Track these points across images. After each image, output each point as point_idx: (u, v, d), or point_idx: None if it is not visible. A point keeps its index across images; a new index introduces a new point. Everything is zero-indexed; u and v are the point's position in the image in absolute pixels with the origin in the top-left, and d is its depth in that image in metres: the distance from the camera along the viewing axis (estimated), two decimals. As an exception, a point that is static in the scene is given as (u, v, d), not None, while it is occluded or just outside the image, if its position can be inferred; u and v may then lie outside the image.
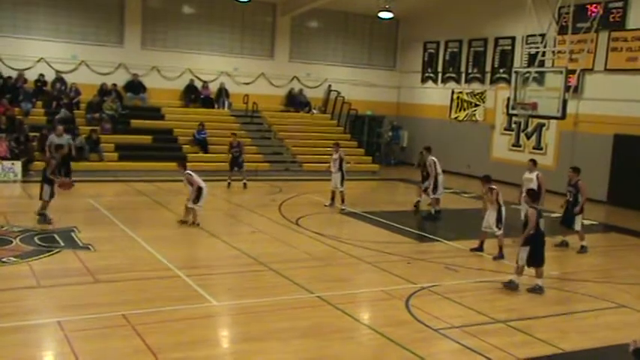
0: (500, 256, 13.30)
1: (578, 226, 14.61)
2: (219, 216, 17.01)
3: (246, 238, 14.12)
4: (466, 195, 21.79)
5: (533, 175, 15.49)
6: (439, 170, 17.58)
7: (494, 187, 13.50)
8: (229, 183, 20.95)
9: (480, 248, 13.76)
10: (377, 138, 30.96)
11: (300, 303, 9.95)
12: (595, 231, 17.86)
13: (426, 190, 17.69)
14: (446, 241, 14.87)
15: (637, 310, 10.48)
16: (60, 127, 20.02)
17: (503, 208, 13.41)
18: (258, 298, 10.05)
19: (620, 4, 21.12)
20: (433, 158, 17.60)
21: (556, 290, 11.40)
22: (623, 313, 10.39)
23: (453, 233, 15.56)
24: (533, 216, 10.89)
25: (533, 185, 15.15)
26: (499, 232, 13.36)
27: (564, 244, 14.73)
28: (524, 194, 15.22)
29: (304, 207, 18.12)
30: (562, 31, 18.05)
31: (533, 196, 11.55)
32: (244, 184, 20.94)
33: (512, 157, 25.22)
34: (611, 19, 21.24)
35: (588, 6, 20.70)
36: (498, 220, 13.33)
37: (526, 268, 11.12)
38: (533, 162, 16.00)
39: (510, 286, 11.10)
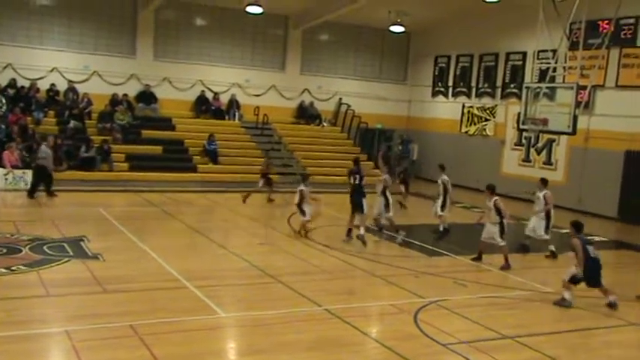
0: (506, 266, 13.57)
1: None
2: (229, 227, 17.04)
3: (254, 249, 14.13)
4: (476, 210, 21.67)
5: (541, 195, 15.48)
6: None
7: (497, 198, 13.78)
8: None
9: (479, 258, 14.10)
10: (387, 151, 30.91)
11: (308, 316, 9.92)
12: (605, 248, 17.74)
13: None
14: (455, 256, 14.82)
15: (647, 329, 10.40)
16: (51, 138, 20.17)
17: (505, 220, 13.69)
18: (266, 310, 10.03)
19: (631, 20, 21.10)
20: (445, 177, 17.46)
21: (565, 307, 11.30)
22: (634, 331, 10.31)
23: (462, 248, 15.50)
24: (578, 246, 11.04)
25: (540, 205, 15.42)
26: (502, 243, 13.67)
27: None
28: (537, 212, 15.42)
29: (313, 219, 18.06)
30: (573, 46, 18.02)
31: (577, 226, 11.41)
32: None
33: (523, 172, 25.15)
34: (623, 36, 21.24)
35: (600, 22, 20.68)
36: (501, 231, 13.61)
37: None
38: (542, 181, 15.93)
39: (563, 304, 11.11)
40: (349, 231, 15.45)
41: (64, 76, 24.93)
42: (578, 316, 10.89)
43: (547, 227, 15.46)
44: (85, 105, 24.62)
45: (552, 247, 15.39)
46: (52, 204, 18.69)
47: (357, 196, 15.21)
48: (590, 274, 11.07)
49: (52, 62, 24.81)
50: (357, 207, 15.21)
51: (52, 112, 24.03)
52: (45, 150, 19.38)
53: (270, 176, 21.52)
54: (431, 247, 15.53)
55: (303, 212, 15.50)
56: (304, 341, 8.88)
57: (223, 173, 24.20)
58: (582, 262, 11.02)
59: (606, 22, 20.26)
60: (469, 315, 10.34)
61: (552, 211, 15.47)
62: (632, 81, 21.19)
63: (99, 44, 25.72)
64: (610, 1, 17.64)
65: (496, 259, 14.07)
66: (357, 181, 15.28)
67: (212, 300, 10.18)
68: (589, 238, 11.48)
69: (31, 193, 19.22)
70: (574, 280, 11.13)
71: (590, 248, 11.13)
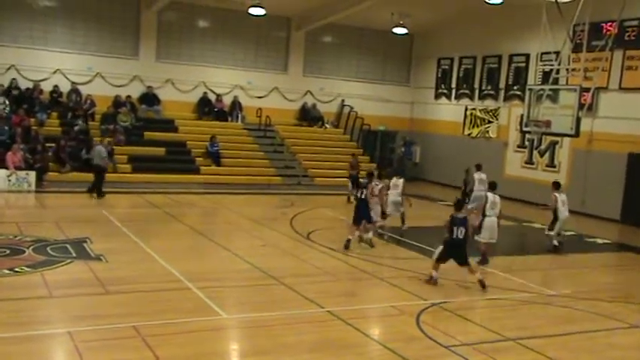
0: (481, 261, 13.77)
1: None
2: (231, 229, 17.05)
3: (257, 251, 14.12)
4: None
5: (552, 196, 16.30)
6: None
7: (488, 193, 14.18)
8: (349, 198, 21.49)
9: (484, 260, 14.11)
10: (389, 153, 30.96)
11: (310, 317, 9.93)
12: (608, 250, 17.77)
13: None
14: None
15: (650, 331, 10.39)
16: (106, 140, 21.06)
17: (487, 218, 13.89)
18: (269, 311, 10.04)
19: (635, 22, 21.07)
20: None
21: (568, 309, 11.31)
22: (636, 334, 10.29)
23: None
24: (447, 223, 11.99)
25: (551, 205, 16.26)
26: (478, 238, 13.89)
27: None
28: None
29: (315, 221, 18.11)
30: (577, 48, 18.02)
31: (456, 205, 12.39)
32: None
33: (525, 174, 25.13)
34: (627, 38, 21.19)
35: (603, 24, 20.64)
36: (480, 226, 13.90)
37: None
38: (553, 184, 16.73)
39: (430, 281, 12.01)
40: (348, 241, 14.65)
41: (67, 78, 24.98)
42: (581, 319, 10.89)
43: (551, 223, 16.19)
44: (88, 106, 24.66)
45: (555, 242, 16.01)
46: (55, 205, 18.75)
47: (363, 208, 14.92)
48: (449, 251, 11.96)
49: (55, 64, 24.85)
50: (364, 218, 15.00)
51: (55, 114, 24.07)
52: (101, 150, 20.10)
53: (359, 175, 21.72)
54: (433, 249, 15.50)
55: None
56: (307, 343, 8.89)
57: (226, 175, 24.22)
58: (447, 238, 12.01)
59: (610, 23, 20.25)
60: (471, 317, 10.35)
61: (560, 212, 16.02)
62: (636, 83, 21.14)
63: (102, 46, 25.75)
64: (614, 3, 17.62)
65: (497, 260, 14.08)
66: (363, 195, 14.99)
67: (215, 301, 10.19)
68: (462, 217, 11.97)
69: (92, 190, 19.78)
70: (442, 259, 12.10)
71: (455, 229, 11.80)
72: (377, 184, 15.79)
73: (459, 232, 11.81)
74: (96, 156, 20.15)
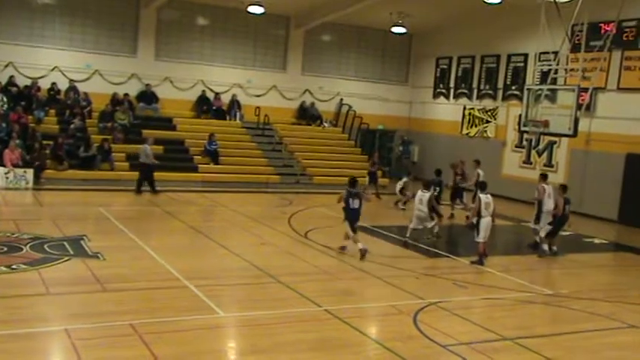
0: (478, 261, 13.83)
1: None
2: (229, 227, 17.04)
3: (255, 249, 14.13)
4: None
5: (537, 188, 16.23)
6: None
7: (480, 195, 14.15)
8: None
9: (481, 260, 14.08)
10: (388, 152, 30.96)
11: (307, 316, 9.92)
12: (605, 250, 17.80)
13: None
14: (455, 257, 14.81)
15: (647, 331, 10.39)
16: (151, 139, 21.59)
17: (482, 219, 13.90)
18: (266, 310, 10.03)
19: (633, 23, 21.09)
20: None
21: (565, 309, 11.33)
22: (633, 334, 10.29)
23: (462, 249, 15.50)
24: (343, 196, 13.80)
25: (539, 196, 16.05)
26: (477, 239, 13.96)
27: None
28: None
29: (314, 220, 18.12)
30: (575, 49, 18.02)
31: (350, 182, 14.05)
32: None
33: (523, 174, 25.13)
34: (625, 38, 21.21)
35: (602, 24, 20.64)
36: (475, 226, 14.02)
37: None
38: (540, 176, 16.75)
39: (342, 251, 13.95)
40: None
41: (65, 75, 24.94)
42: (578, 318, 10.90)
43: (536, 217, 16.00)
44: (86, 104, 24.60)
45: (537, 238, 15.90)
46: (53, 203, 18.72)
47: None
48: (349, 221, 13.70)
49: (54, 61, 24.80)
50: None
51: (52, 111, 24.03)
52: (147, 148, 20.64)
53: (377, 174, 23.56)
54: (430, 248, 15.52)
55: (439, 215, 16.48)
56: (304, 341, 8.88)
57: (224, 173, 24.20)
58: (345, 210, 13.74)
59: (608, 24, 20.24)
60: (469, 316, 10.34)
61: (544, 204, 15.72)
62: (634, 83, 21.16)
63: (100, 43, 25.71)
64: (612, 3, 17.63)
65: (495, 260, 14.09)
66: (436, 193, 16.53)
67: (212, 300, 10.18)
68: (356, 192, 13.82)
69: (139, 191, 20.44)
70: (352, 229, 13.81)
71: (350, 200, 13.66)
72: (424, 193, 15.61)
73: (354, 204, 13.68)
74: (142, 154, 20.64)
